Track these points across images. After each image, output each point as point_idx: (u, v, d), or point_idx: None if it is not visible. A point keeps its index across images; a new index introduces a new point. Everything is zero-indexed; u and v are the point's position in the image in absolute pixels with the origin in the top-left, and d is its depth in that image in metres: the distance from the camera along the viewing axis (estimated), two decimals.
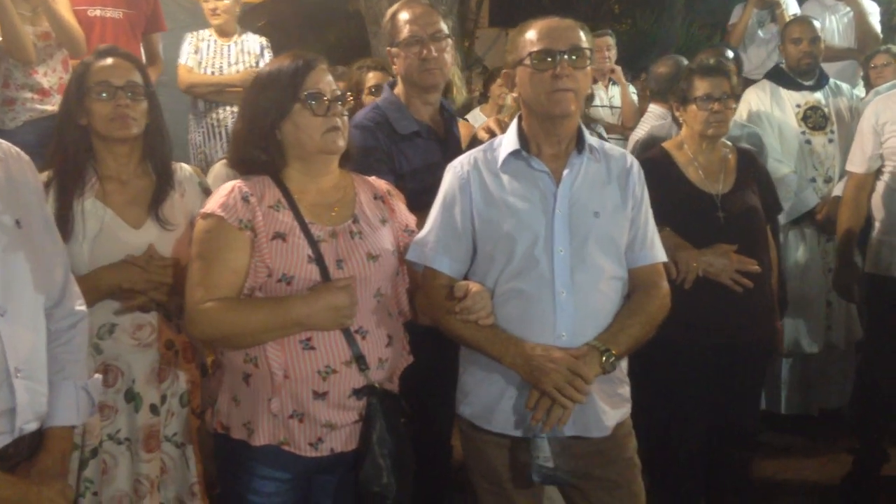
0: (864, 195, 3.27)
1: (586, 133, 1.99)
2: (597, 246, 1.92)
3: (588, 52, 1.91)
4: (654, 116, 3.71)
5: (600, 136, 2.92)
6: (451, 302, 1.92)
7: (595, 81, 5.43)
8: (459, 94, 3.53)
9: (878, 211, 3.22)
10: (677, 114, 2.82)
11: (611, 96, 5.45)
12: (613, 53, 5.52)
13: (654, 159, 2.77)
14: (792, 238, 3.76)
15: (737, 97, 2.79)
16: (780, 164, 3.69)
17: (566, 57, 1.87)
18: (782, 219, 3.60)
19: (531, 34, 1.92)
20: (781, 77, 3.97)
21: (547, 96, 1.88)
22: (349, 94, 2.02)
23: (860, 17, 5.24)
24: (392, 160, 2.35)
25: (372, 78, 3.16)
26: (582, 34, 1.93)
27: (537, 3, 14.05)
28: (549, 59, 1.87)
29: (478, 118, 4.74)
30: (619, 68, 5.47)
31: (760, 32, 5.52)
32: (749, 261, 2.58)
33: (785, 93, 3.90)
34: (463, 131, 2.75)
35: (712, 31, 10.19)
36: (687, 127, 2.77)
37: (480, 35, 13.17)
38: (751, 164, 2.80)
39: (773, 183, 2.90)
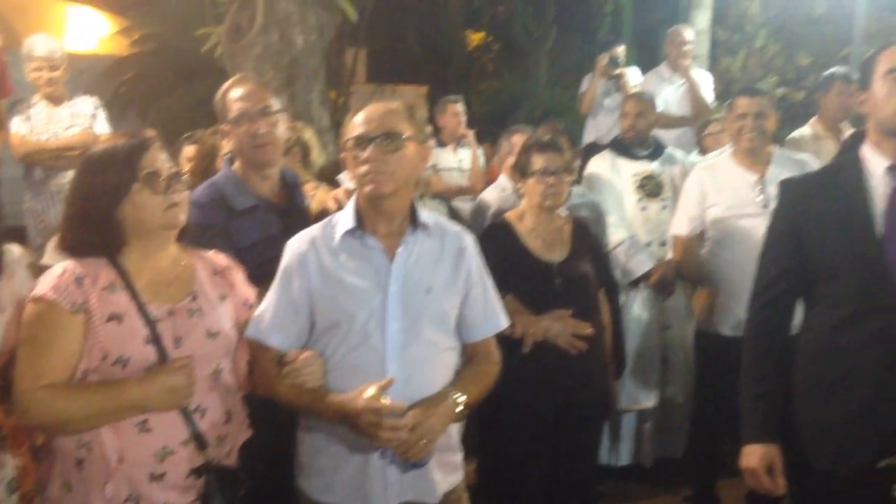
0: (689, 256, 3.55)
1: (420, 210, 2.10)
2: (429, 322, 2.01)
3: (402, 136, 1.97)
4: (500, 188, 3.88)
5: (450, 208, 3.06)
6: (281, 367, 1.97)
7: (443, 145, 5.67)
8: (319, 158, 3.62)
9: (701, 272, 3.51)
10: (518, 186, 3.02)
11: (460, 159, 5.66)
12: (464, 118, 5.75)
13: (497, 229, 2.95)
14: (631, 299, 4.01)
15: (571, 170, 2.99)
16: (619, 230, 3.96)
17: (378, 141, 1.95)
18: (622, 281, 3.87)
19: (355, 119, 2.01)
20: (620, 147, 4.24)
21: (360, 178, 1.98)
22: (206, 159, 2.05)
23: (693, 89, 5.72)
24: (229, 236, 2.37)
25: (227, 145, 3.19)
26: (401, 119, 2.00)
27: (412, 60, 14.47)
28: (362, 144, 1.96)
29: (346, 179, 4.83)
30: (470, 132, 5.71)
31: (607, 101, 5.95)
32: (583, 324, 2.78)
33: (623, 162, 4.15)
34: (320, 196, 2.81)
35: (575, 93, 10.78)
36: (527, 199, 2.96)
37: (356, 91, 13.38)
38: (585, 234, 3.01)
39: (604, 250, 3.13)
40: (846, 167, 2.16)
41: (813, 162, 3.46)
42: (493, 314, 2.18)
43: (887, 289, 1.97)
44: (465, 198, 5.07)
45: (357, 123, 2.00)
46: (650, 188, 4.08)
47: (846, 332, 2.02)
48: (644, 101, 4.29)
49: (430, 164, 5.52)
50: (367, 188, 1.98)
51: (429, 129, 6.18)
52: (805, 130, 4.78)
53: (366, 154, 1.95)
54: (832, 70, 4.81)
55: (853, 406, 1.99)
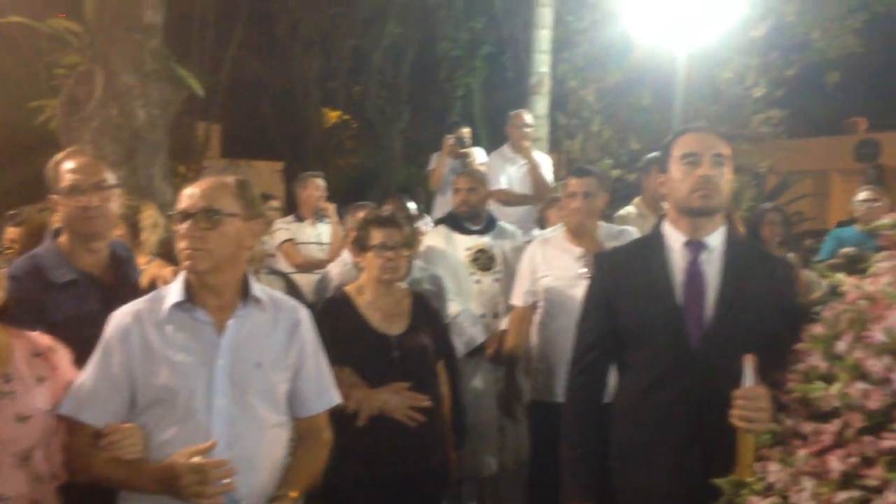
0: (524, 325, 3.70)
1: (253, 284, 2.10)
2: (258, 397, 2.00)
3: (222, 212, 1.97)
4: (344, 262, 3.93)
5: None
6: (97, 442, 1.90)
7: (303, 219, 5.73)
8: (154, 234, 3.54)
9: (535, 341, 3.68)
10: (357, 260, 3.08)
11: (319, 233, 5.72)
12: (325, 192, 5.86)
13: (336, 302, 2.98)
14: (469, 370, 4.11)
15: (409, 245, 3.09)
16: (454, 303, 4.08)
17: (197, 217, 1.95)
18: (462, 351, 3.97)
19: (182, 193, 2.02)
20: (453, 222, 4.38)
21: (180, 254, 1.98)
22: (33, 237, 1.98)
23: (533, 169, 6.05)
24: (42, 310, 2.29)
25: (56, 221, 3.07)
26: (226, 195, 2.00)
27: (268, 136, 14.45)
28: (182, 219, 1.97)
29: None
30: (331, 206, 5.79)
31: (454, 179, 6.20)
32: (421, 397, 2.83)
33: (457, 236, 4.30)
34: (150, 271, 2.75)
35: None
36: (366, 272, 3.02)
37: (210, 165, 13.19)
38: (424, 307, 3.10)
39: (444, 322, 3.22)
40: (650, 242, 2.36)
41: (636, 236, 3.71)
42: (326, 389, 2.19)
43: (687, 355, 2.15)
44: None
45: (182, 198, 2.01)
46: (483, 262, 4.23)
47: (652, 395, 2.18)
48: (475, 178, 4.49)
49: (287, 238, 5.57)
50: (185, 264, 1.98)
51: (276, 203, 6.25)
52: (630, 208, 5.14)
53: (184, 230, 1.96)
54: (651, 155, 5.25)
55: (661, 466, 2.14)
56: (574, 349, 2.38)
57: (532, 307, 3.68)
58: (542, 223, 5.35)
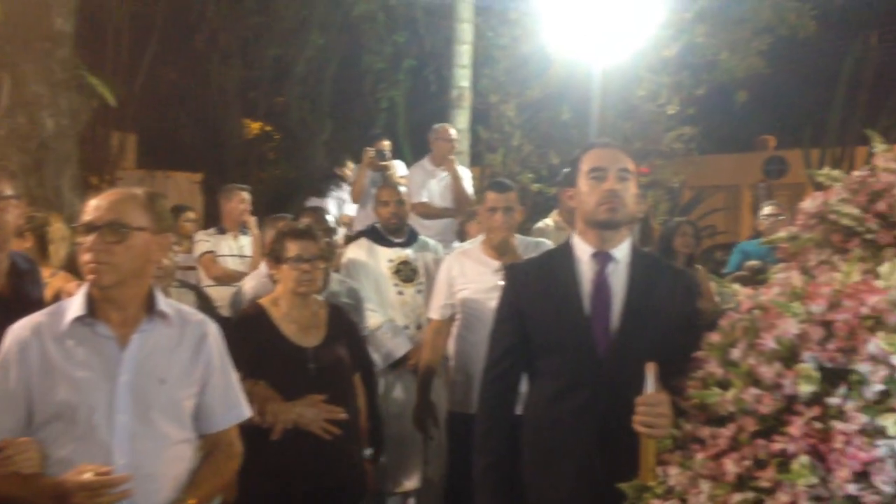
0: (440, 339, 3.72)
1: (159, 298, 2.07)
2: (161, 413, 1.97)
3: (129, 226, 1.93)
4: (260, 274, 3.89)
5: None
6: None
7: (225, 232, 5.65)
8: (62, 247, 3.44)
9: (452, 353, 3.71)
10: (272, 272, 3.05)
11: (241, 245, 5.65)
12: (248, 205, 5.79)
13: (250, 315, 2.95)
14: (391, 381, 4.13)
15: (326, 258, 3.08)
16: (376, 315, 4.09)
17: (102, 231, 1.91)
18: (381, 364, 3.97)
19: (87, 205, 1.97)
20: (376, 235, 4.39)
21: (84, 267, 1.94)
22: None
23: (456, 182, 6.12)
24: None
25: None
26: (133, 208, 1.96)
27: (184, 148, 14.13)
28: (87, 232, 1.93)
29: None
30: (252, 219, 5.72)
31: (374, 191, 6.20)
32: (337, 409, 2.82)
33: (380, 249, 4.31)
34: (55, 284, 2.68)
35: None
36: (281, 285, 3.00)
37: (124, 177, 12.82)
38: (341, 318, 3.10)
39: (361, 335, 3.22)
40: (560, 254, 2.42)
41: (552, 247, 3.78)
42: (234, 404, 2.16)
43: (594, 364, 2.21)
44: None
45: (87, 209, 1.96)
46: (405, 274, 4.26)
47: (560, 403, 2.23)
48: (400, 191, 4.51)
49: (207, 250, 5.47)
50: (89, 278, 1.93)
51: (192, 215, 6.12)
52: (548, 221, 5.25)
53: (89, 242, 1.91)
54: (567, 169, 5.37)
55: (568, 472, 2.19)
56: (487, 359, 2.42)
57: (449, 320, 3.71)
58: (462, 236, 5.42)
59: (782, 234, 2.81)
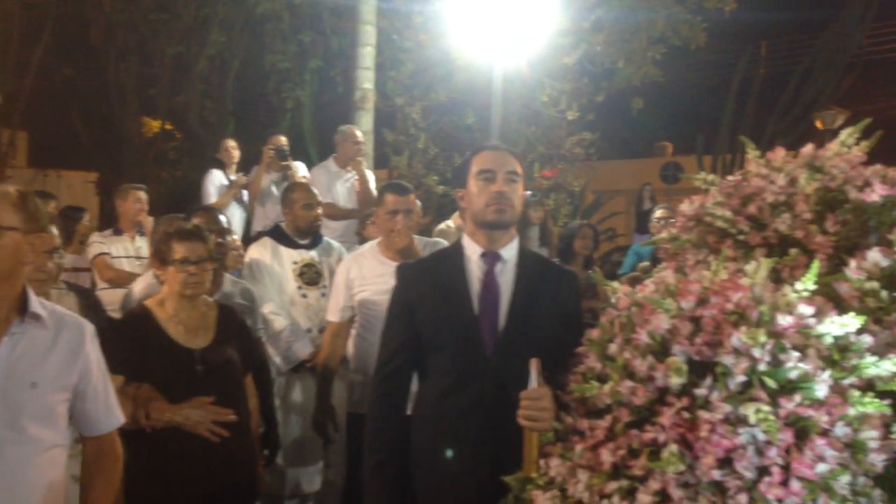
0: (339, 341, 3.71)
1: (32, 300, 1.99)
2: (33, 418, 1.90)
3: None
4: (152, 275, 3.80)
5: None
6: None
7: (121, 233, 5.48)
8: None
9: (351, 355, 3.70)
10: (158, 273, 2.98)
11: (137, 247, 5.49)
12: (145, 206, 5.64)
13: (135, 317, 2.87)
14: (292, 383, 4.09)
15: (214, 259, 3.02)
16: (278, 317, 4.04)
17: None
18: (283, 367, 3.94)
19: None
20: (281, 236, 4.32)
21: None
22: None
23: (362, 183, 6.11)
24: None
25: None
26: (2, 207, 1.90)
27: (79, 146, 13.59)
28: None
29: None
30: (149, 220, 5.57)
31: (275, 191, 6.15)
32: (225, 411, 2.78)
33: (284, 250, 4.26)
34: None
35: None
36: (168, 286, 2.93)
37: (14, 175, 12.22)
38: (231, 319, 3.04)
39: (253, 336, 3.17)
40: (450, 253, 2.46)
41: None
42: (114, 406, 2.11)
43: (481, 361, 2.26)
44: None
45: None
46: (309, 276, 4.22)
47: (449, 400, 2.27)
48: (315, 192, 4.46)
49: (101, 252, 5.27)
50: None
51: (86, 216, 5.91)
52: (449, 223, 5.32)
53: None
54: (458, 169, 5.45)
55: (455, 468, 2.23)
56: (378, 358, 2.43)
57: (348, 323, 3.69)
58: (362, 238, 5.41)
59: (664, 235, 2.94)
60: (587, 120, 9.82)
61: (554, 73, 9.21)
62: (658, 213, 6.21)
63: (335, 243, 4.56)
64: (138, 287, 3.60)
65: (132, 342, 2.62)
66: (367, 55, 7.75)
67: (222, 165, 6.74)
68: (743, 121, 12.80)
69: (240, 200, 6.55)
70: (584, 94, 9.62)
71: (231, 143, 6.86)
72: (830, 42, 12.43)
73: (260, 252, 4.26)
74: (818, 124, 12.52)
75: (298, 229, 4.32)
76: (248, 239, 5.46)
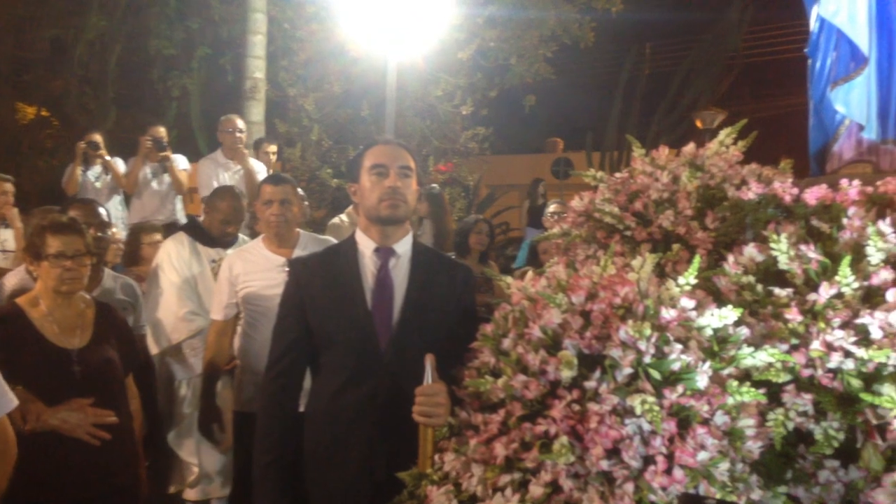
0: (224, 340, 3.58)
1: None
2: None
3: None
4: (24, 270, 3.58)
5: None
6: None
7: None
8: None
9: (238, 353, 3.60)
10: (31, 268, 2.80)
11: (3, 239, 5.19)
12: (9, 197, 5.34)
13: (5, 316, 2.70)
14: (196, 383, 3.92)
15: (92, 254, 2.87)
16: (199, 318, 3.88)
17: None
18: (181, 375, 3.80)
19: None
20: (199, 232, 4.12)
21: None
22: None
23: (249, 175, 5.96)
24: None
25: None
26: None
27: None
28: None
29: None
30: (14, 211, 5.27)
31: (154, 184, 5.93)
32: (106, 413, 2.65)
33: (202, 248, 4.07)
34: None
35: None
36: (41, 282, 2.76)
37: None
38: (110, 318, 2.90)
39: (135, 333, 3.03)
40: (344, 249, 2.43)
41: None
42: (7, 392, 1.99)
43: (375, 357, 2.24)
44: None
45: None
46: None
47: (343, 396, 2.24)
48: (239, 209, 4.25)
49: None
50: None
51: None
52: (343, 217, 5.25)
53: None
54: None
55: (350, 465, 2.20)
56: (269, 354, 2.38)
57: (233, 321, 3.58)
58: (254, 232, 5.28)
59: (555, 230, 3.00)
60: (481, 115, 9.93)
61: (449, 68, 9.27)
62: (551, 207, 6.34)
63: (247, 238, 4.39)
64: (11, 281, 3.39)
65: (2, 343, 2.45)
66: (257, 44, 7.56)
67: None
68: (630, 118, 13.26)
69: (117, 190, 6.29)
70: (478, 89, 9.72)
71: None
72: (710, 45, 13.04)
73: (177, 249, 4.05)
74: (698, 123, 13.12)
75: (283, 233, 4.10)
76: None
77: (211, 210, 4.14)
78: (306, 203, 5.17)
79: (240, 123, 6.07)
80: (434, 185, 6.31)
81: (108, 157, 6.07)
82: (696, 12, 14.41)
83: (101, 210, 3.38)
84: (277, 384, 2.33)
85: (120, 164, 6.20)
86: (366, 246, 2.36)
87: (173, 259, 4.02)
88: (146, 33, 10.45)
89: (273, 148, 6.43)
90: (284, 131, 9.21)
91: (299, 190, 3.77)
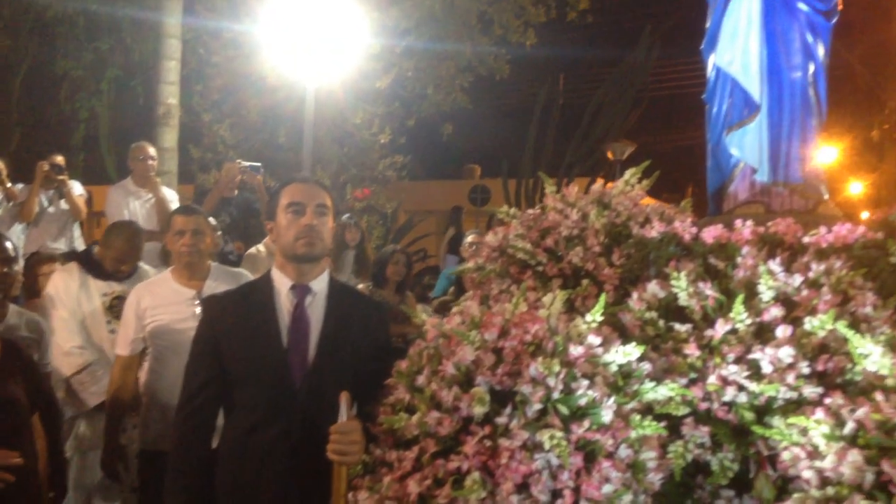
0: (130, 375, 3.47)
1: None
2: None
3: None
4: None
5: None
6: None
7: None
8: None
9: (144, 389, 3.50)
10: None
11: None
12: None
13: None
14: (95, 420, 3.78)
15: None
16: (86, 352, 3.76)
17: None
18: (79, 408, 3.67)
19: None
20: (91, 264, 3.98)
21: None
22: None
23: (161, 203, 5.83)
24: None
25: None
26: None
27: None
28: None
29: None
30: None
31: (51, 210, 5.76)
32: (10, 454, 2.55)
33: (93, 281, 3.93)
34: None
35: None
36: None
37: None
38: (16, 354, 2.80)
39: (41, 371, 2.93)
40: (259, 286, 2.43)
41: (250, 276, 3.67)
42: None
43: (290, 395, 2.24)
44: None
45: None
46: (119, 310, 3.82)
47: (256, 434, 2.23)
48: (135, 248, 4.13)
49: None
50: None
51: None
52: (260, 247, 5.20)
53: None
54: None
55: (263, 503, 2.19)
56: (181, 394, 2.35)
57: (139, 356, 3.49)
58: (167, 261, 5.17)
59: (470, 265, 3.08)
60: (399, 143, 10.03)
61: (367, 97, 9.34)
62: (469, 238, 6.42)
63: (153, 271, 4.26)
64: None
65: None
66: (171, 69, 7.43)
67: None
68: (545, 148, 13.59)
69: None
70: (396, 117, 9.82)
71: None
72: (620, 79, 13.53)
73: (66, 281, 3.90)
74: (609, 154, 13.57)
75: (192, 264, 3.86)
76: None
77: (105, 246, 4.01)
78: (219, 233, 5.10)
79: (151, 151, 5.96)
80: (348, 213, 6.31)
81: (9, 184, 5.82)
82: (607, 48, 14.96)
83: (8, 244, 3.25)
84: (189, 424, 2.30)
85: (77, 188, 5.94)
86: (282, 283, 2.36)
87: (60, 291, 3.88)
88: (53, 53, 10.14)
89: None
90: (198, 157, 9.07)
91: (211, 220, 3.73)
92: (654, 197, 3.94)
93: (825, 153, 18.23)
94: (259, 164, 6.32)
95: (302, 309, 2.33)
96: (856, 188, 19.29)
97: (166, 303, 3.37)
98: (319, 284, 2.38)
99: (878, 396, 1.67)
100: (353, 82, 8.40)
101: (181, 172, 8.09)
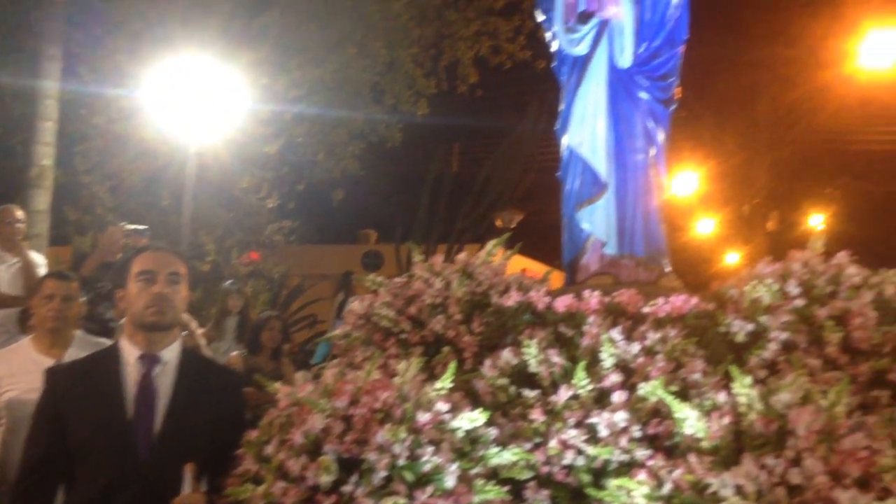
0: None
1: None
2: None
3: None
4: None
5: None
6: None
7: None
8: None
9: None
10: None
11: None
12: None
13: None
14: None
15: None
16: None
17: None
18: None
19: None
20: None
21: None
22: None
23: (28, 268, 5.58)
24: None
25: None
26: None
27: None
28: None
29: None
30: None
31: None
32: None
33: None
34: None
35: None
36: None
37: None
38: None
39: None
40: (105, 356, 2.37)
41: None
42: None
43: (135, 466, 2.18)
44: None
45: None
46: None
47: None
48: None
49: None
50: None
51: None
52: None
53: None
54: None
55: None
56: (19, 468, 2.24)
57: None
58: (25, 328, 4.93)
59: (338, 332, 3.10)
60: (288, 208, 9.99)
61: (255, 161, 9.30)
62: (352, 304, 6.42)
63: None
64: None
65: None
66: (47, 129, 7.21)
67: None
68: (437, 214, 13.78)
69: None
70: (285, 182, 9.81)
71: None
72: (509, 149, 13.96)
73: None
74: (498, 222, 13.91)
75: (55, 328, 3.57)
76: None
77: (47, 298, 3.85)
78: (83, 300, 4.91)
79: (19, 214, 5.71)
80: (231, 280, 6.22)
81: None
82: (497, 119, 15.46)
83: None
84: (26, 500, 2.19)
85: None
86: (130, 353, 2.31)
87: None
88: None
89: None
90: (75, 219, 8.76)
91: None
92: (547, 264, 4.06)
93: (704, 225, 19.32)
94: (145, 226, 6.15)
95: (149, 379, 2.28)
96: (732, 258, 20.39)
97: (22, 372, 3.23)
98: (170, 354, 2.34)
99: (692, 458, 1.78)
100: (241, 146, 8.38)
101: (57, 234, 7.80)
